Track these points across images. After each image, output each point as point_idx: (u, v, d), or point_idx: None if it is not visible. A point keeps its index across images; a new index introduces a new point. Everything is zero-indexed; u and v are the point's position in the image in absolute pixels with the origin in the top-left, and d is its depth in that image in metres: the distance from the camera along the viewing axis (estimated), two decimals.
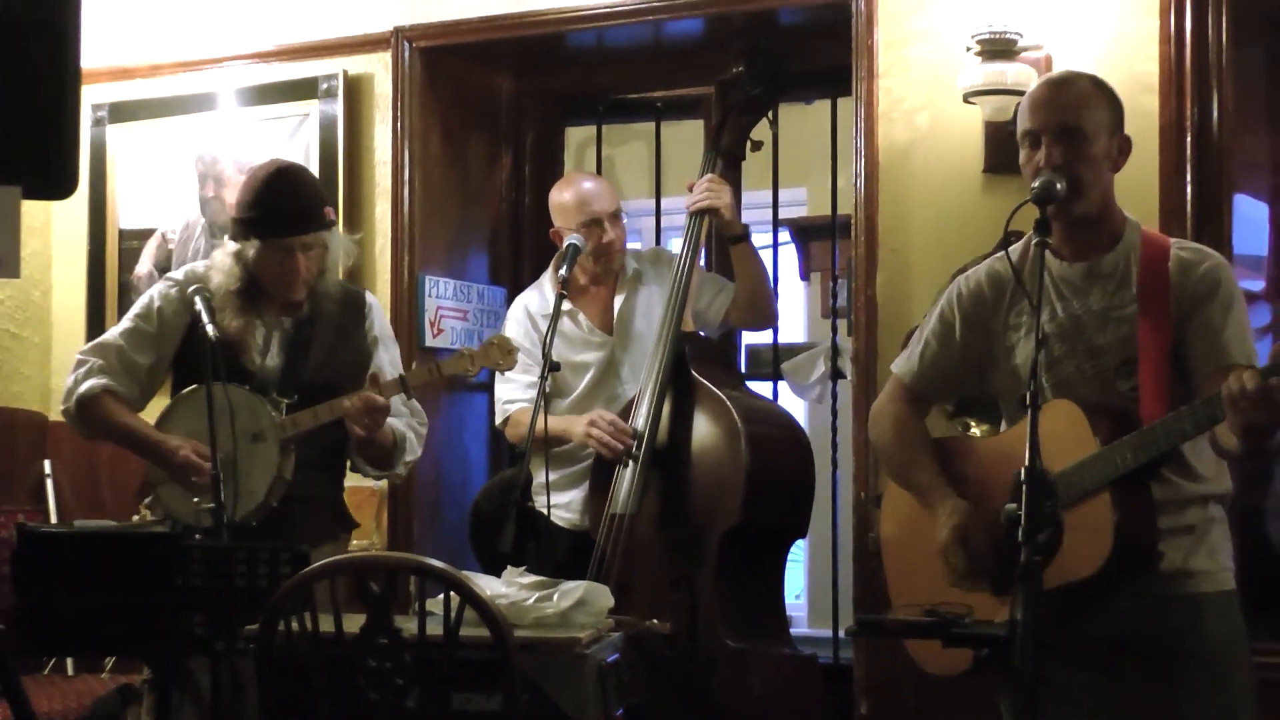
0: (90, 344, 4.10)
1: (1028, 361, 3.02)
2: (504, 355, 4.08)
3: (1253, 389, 2.60)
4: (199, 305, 3.69)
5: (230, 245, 3.99)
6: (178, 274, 4.13)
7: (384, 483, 4.96)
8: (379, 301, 4.32)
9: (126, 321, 4.06)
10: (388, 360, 4.13)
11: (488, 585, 3.29)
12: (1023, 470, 2.63)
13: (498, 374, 4.58)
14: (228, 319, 3.89)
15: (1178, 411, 2.79)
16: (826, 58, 4.68)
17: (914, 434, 3.27)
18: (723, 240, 4.61)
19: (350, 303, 4.13)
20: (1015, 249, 3.07)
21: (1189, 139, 4.00)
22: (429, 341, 5.02)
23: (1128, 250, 3.04)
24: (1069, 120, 2.98)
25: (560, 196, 4.55)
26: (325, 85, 5.15)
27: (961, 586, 3.05)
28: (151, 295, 4.07)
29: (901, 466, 3.28)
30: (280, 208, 3.92)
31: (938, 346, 3.24)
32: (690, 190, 4.47)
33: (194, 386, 3.92)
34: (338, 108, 5.12)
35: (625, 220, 4.62)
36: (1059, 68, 4.10)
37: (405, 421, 4.08)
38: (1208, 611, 2.96)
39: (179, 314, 3.99)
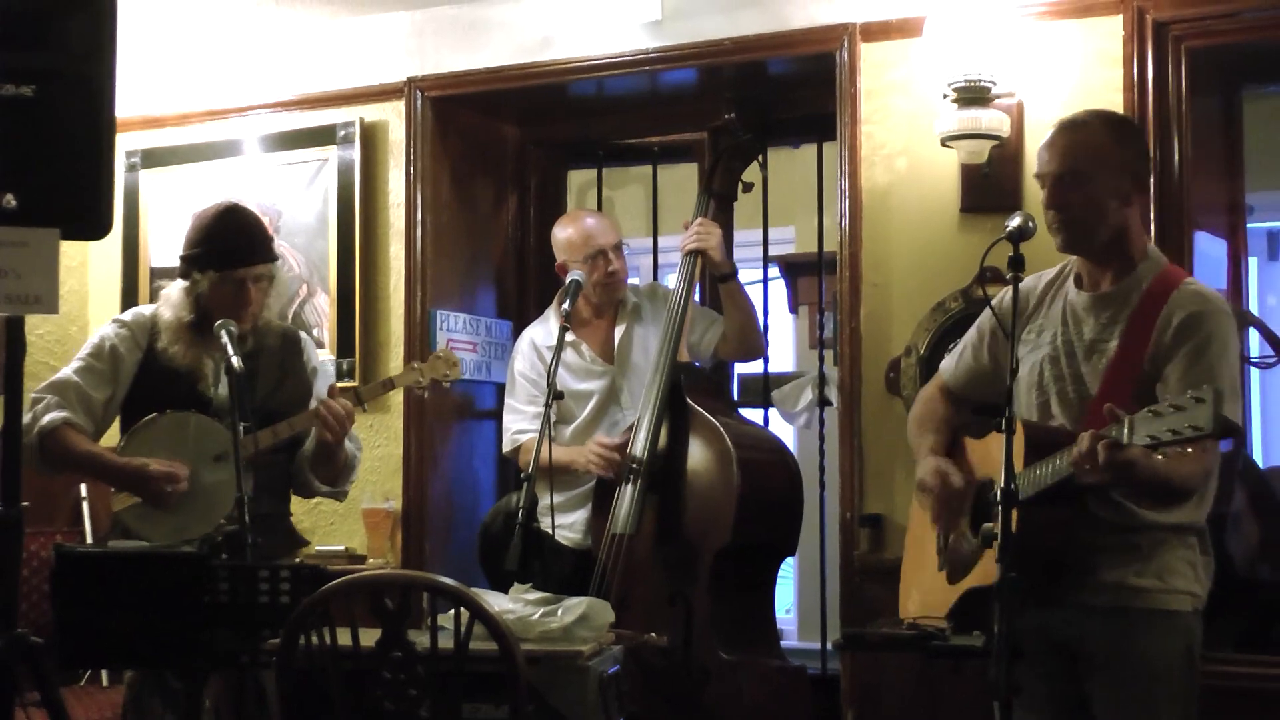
0: (45, 383, 3.97)
1: (1027, 376, 3.08)
2: (449, 367, 4.15)
3: (1085, 450, 2.63)
4: (224, 339, 3.67)
5: (179, 283, 3.95)
6: (125, 315, 4.08)
7: (398, 505, 4.97)
8: (310, 337, 4.32)
9: (78, 361, 3.97)
10: (328, 387, 4.09)
11: (495, 601, 3.29)
12: (998, 491, 2.65)
13: (506, 403, 4.60)
14: (181, 351, 3.88)
15: (1047, 459, 2.82)
16: (812, 105, 4.71)
17: (935, 414, 3.33)
18: (714, 277, 4.62)
19: (287, 338, 4.14)
20: (1050, 272, 3.11)
21: (1151, 180, 4.01)
22: None
23: (1135, 285, 3.02)
24: (1064, 166, 3.01)
25: (565, 232, 4.56)
26: (343, 132, 5.17)
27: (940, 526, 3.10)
28: (102, 335, 4.00)
29: (914, 436, 3.33)
30: (231, 241, 3.91)
31: (970, 354, 3.31)
32: (686, 229, 4.49)
33: (152, 415, 3.88)
34: (354, 153, 5.15)
35: (625, 255, 4.64)
36: (1030, 114, 4.14)
37: (350, 445, 4.08)
38: (1143, 627, 2.94)
39: (130, 352, 3.95)
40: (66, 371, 3.97)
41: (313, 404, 3.98)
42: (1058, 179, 3.00)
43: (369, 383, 4.72)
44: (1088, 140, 3.03)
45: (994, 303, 3.19)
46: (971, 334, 3.33)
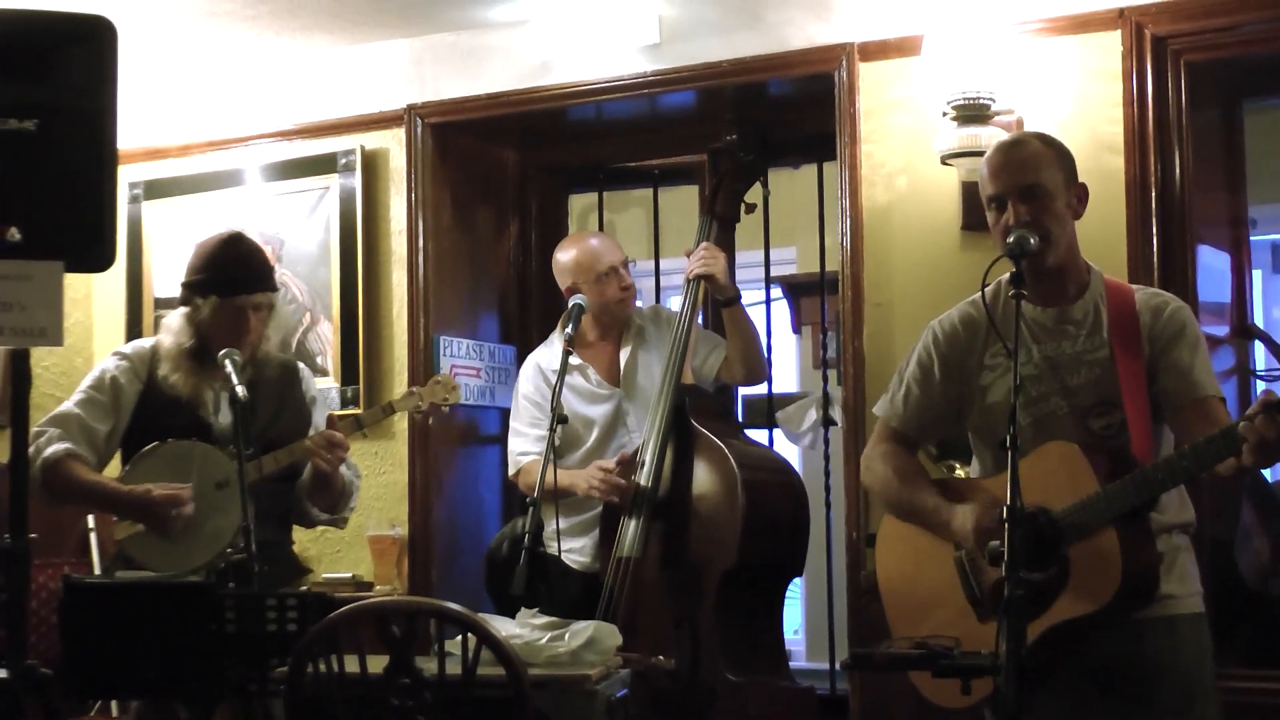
0: (46, 417, 3.97)
1: (1003, 401, 2.99)
2: (448, 391, 4.17)
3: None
4: (228, 368, 3.68)
5: (180, 309, 3.98)
6: (125, 348, 4.10)
7: (404, 532, 4.98)
8: (308, 367, 4.30)
9: (80, 394, 3.97)
10: (326, 416, 4.10)
11: (503, 626, 3.29)
12: (1004, 509, 2.63)
13: (510, 425, 4.61)
14: (181, 379, 3.88)
15: (1182, 450, 2.77)
16: (812, 126, 4.73)
17: (910, 467, 3.20)
18: (718, 301, 4.63)
19: (286, 369, 4.15)
20: (986, 293, 3.06)
21: (1153, 195, 4.03)
22: None
23: (1095, 298, 3.05)
24: (1029, 179, 2.98)
25: (569, 254, 4.57)
26: (344, 160, 5.20)
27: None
28: (104, 368, 4.01)
29: (903, 498, 3.16)
30: (233, 269, 3.93)
31: (918, 390, 3.19)
32: (688, 256, 4.49)
33: (154, 444, 3.89)
34: (356, 181, 5.17)
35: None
36: (1029, 130, 4.14)
37: (348, 473, 4.08)
38: (1182, 632, 2.96)
39: (131, 383, 3.95)
40: (68, 405, 3.97)
41: (312, 432, 3.99)
42: (1021, 194, 2.98)
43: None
44: (1036, 157, 3.02)
45: (938, 331, 3.18)
46: (912, 369, 3.20)
